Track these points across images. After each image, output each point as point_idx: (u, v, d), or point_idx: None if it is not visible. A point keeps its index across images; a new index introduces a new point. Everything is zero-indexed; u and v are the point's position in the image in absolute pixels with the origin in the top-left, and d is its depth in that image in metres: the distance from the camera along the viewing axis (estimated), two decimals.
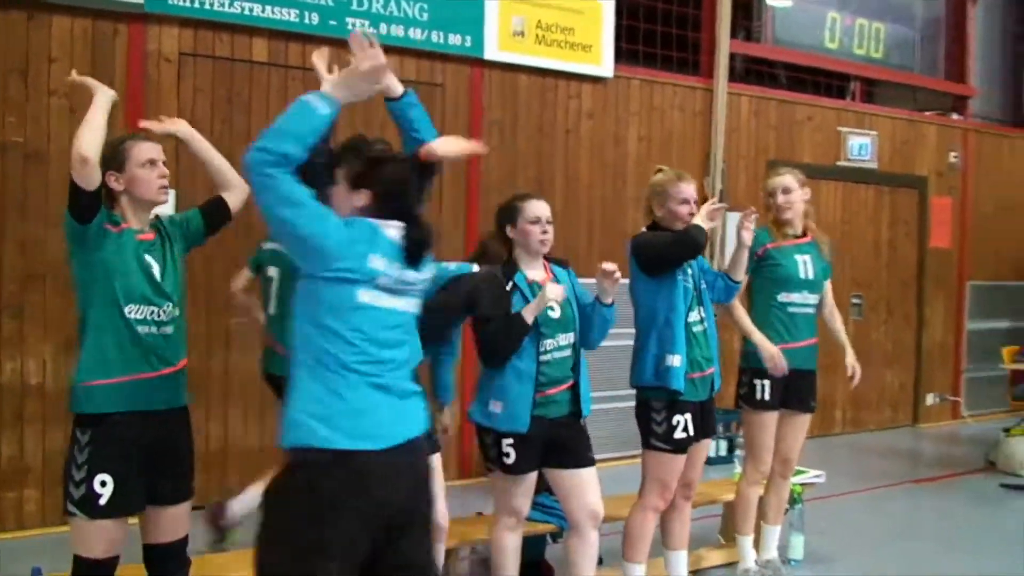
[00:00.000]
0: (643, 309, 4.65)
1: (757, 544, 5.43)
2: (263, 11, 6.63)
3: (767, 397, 5.22)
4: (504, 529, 4.40)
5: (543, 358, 4.22)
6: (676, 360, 4.51)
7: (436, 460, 4.04)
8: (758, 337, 5.14)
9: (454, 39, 7.36)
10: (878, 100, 10.65)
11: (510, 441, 4.21)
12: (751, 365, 5.25)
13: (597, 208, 8.29)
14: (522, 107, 7.86)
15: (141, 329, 3.38)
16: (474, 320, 4.29)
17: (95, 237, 3.31)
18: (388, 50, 7.09)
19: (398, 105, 3.43)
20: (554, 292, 4.14)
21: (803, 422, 5.41)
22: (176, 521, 3.59)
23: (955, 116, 11.11)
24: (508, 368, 4.19)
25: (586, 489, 4.38)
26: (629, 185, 8.43)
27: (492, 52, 7.56)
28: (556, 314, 4.23)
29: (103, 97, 3.41)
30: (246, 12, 6.57)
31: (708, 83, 8.89)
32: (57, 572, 4.18)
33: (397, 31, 7.11)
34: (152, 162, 3.50)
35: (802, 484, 5.86)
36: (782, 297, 5.25)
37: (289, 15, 6.70)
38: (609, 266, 4.24)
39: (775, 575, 5.35)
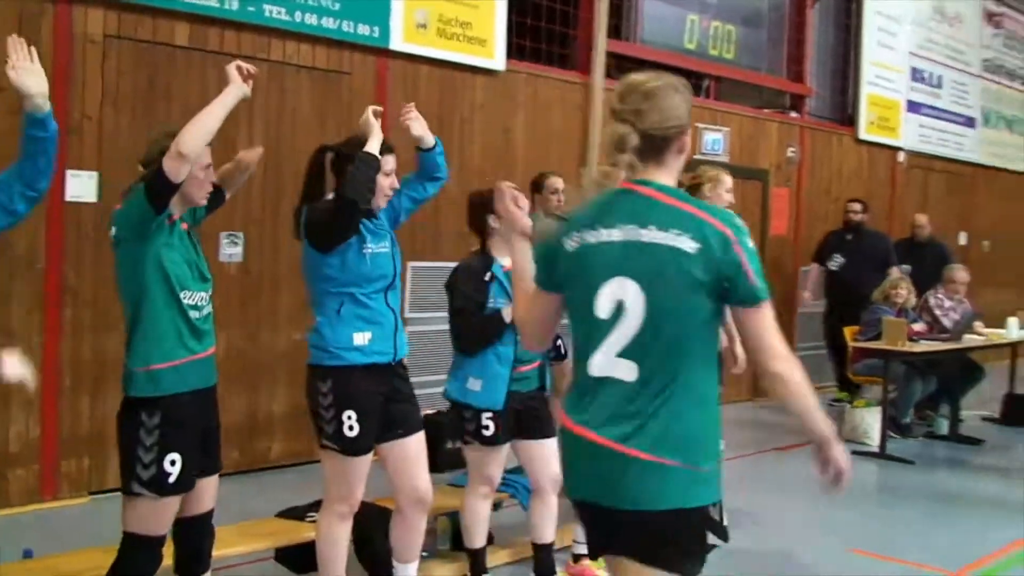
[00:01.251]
0: None
1: None
2: None
3: None
4: (479, 497, 4.77)
5: None
6: None
7: (422, 437, 4.39)
8: None
9: (363, 29, 7.61)
10: (728, 98, 11.44)
11: (490, 415, 4.59)
12: None
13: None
14: (423, 97, 8.15)
15: (192, 313, 3.60)
16: (450, 311, 4.65)
17: (156, 227, 3.49)
18: (302, 38, 7.30)
19: (431, 155, 4.42)
20: None
21: None
22: (211, 492, 3.84)
23: (793, 114, 12.06)
24: (489, 350, 4.57)
25: (550, 458, 4.81)
26: (516, 174, 8.85)
27: (397, 43, 7.84)
28: None
29: (234, 91, 3.59)
30: None
31: (585, 79, 9.41)
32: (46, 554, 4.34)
33: (311, 19, 7.29)
34: (209, 167, 3.72)
35: None
36: None
37: (210, 0, 6.80)
38: None
39: None
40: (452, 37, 8.20)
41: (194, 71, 6.81)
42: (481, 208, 4.72)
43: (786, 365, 2.60)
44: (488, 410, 4.58)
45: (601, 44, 9.40)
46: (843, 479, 2.72)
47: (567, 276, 2.69)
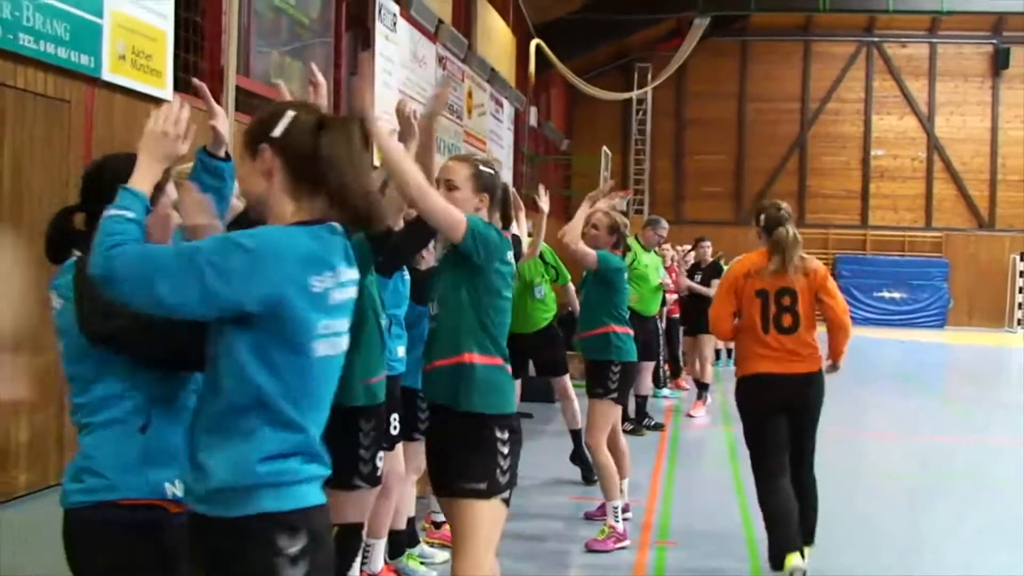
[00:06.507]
0: None
1: None
2: None
3: None
4: None
5: None
6: None
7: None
8: None
9: (84, 59, 7.49)
10: None
11: None
12: None
13: None
14: (118, 126, 8.14)
15: None
16: None
17: None
18: (26, 61, 7.11)
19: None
20: None
21: None
22: None
23: None
24: None
25: None
26: None
27: (106, 73, 7.80)
28: None
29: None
30: None
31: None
32: None
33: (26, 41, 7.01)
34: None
35: None
36: None
37: None
38: None
39: None
40: (141, 68, 8.29)
41: None
42: None
43: None
44: None
45: (231, 78, 9.88)
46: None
47: None
